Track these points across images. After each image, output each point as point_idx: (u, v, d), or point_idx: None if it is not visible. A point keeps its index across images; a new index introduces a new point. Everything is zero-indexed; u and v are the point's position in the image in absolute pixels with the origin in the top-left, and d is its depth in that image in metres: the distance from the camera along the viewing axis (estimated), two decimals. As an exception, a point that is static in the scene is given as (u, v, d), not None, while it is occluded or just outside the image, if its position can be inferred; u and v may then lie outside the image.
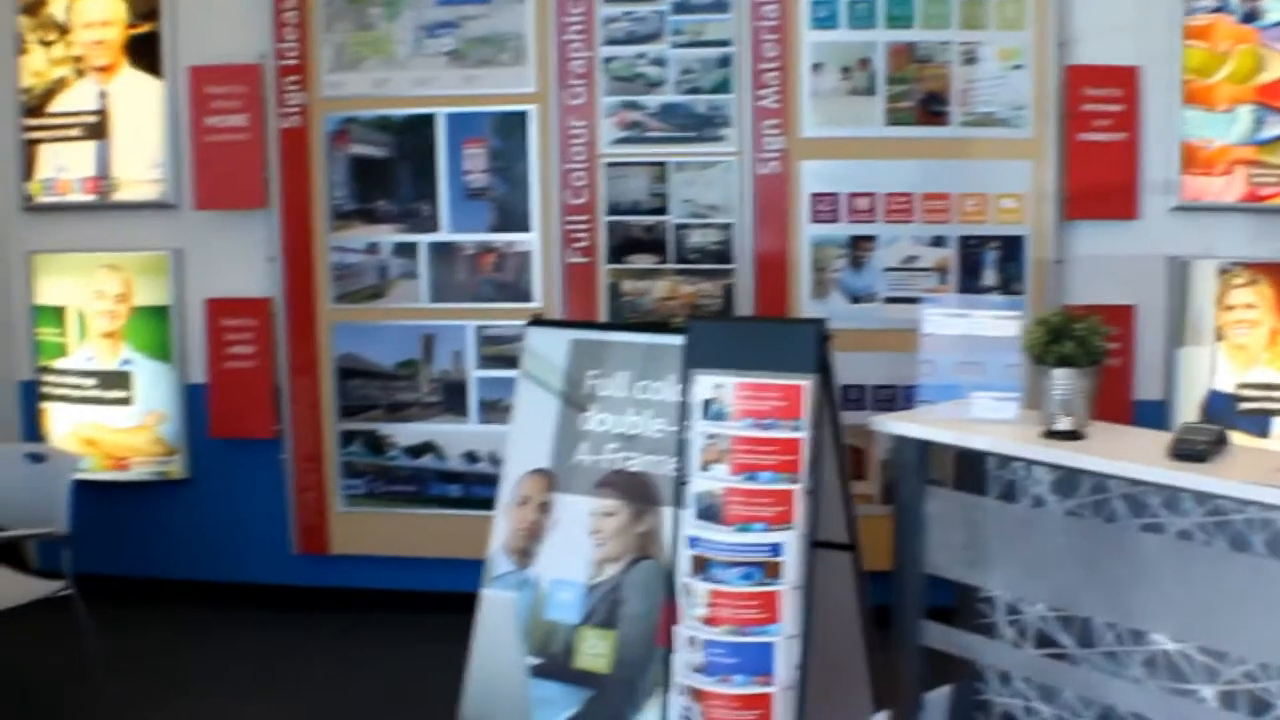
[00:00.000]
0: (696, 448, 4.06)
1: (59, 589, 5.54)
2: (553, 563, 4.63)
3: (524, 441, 4.78)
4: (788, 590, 3.92)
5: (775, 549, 3.90)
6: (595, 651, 4.50)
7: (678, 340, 4.41)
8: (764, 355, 4.04)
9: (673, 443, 4.40)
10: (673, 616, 4.15)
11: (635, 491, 4.53)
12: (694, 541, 3.99)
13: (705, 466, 4.01)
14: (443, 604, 6.30)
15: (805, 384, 3.98)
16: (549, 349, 4.79)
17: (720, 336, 4.17)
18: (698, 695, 3.99)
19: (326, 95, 6.45)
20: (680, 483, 4.12)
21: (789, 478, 3.93)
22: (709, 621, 3.96)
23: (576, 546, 4.60)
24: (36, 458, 5.98)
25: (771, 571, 3.90)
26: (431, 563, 6.54)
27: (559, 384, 4.73)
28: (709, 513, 3.97)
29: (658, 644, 4.32)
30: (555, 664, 4.56)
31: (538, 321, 4.96)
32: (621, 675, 4.43)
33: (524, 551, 4.70)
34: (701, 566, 3.97)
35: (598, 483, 4.61)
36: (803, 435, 3.95)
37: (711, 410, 4.03)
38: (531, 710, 4.57)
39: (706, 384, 4.04)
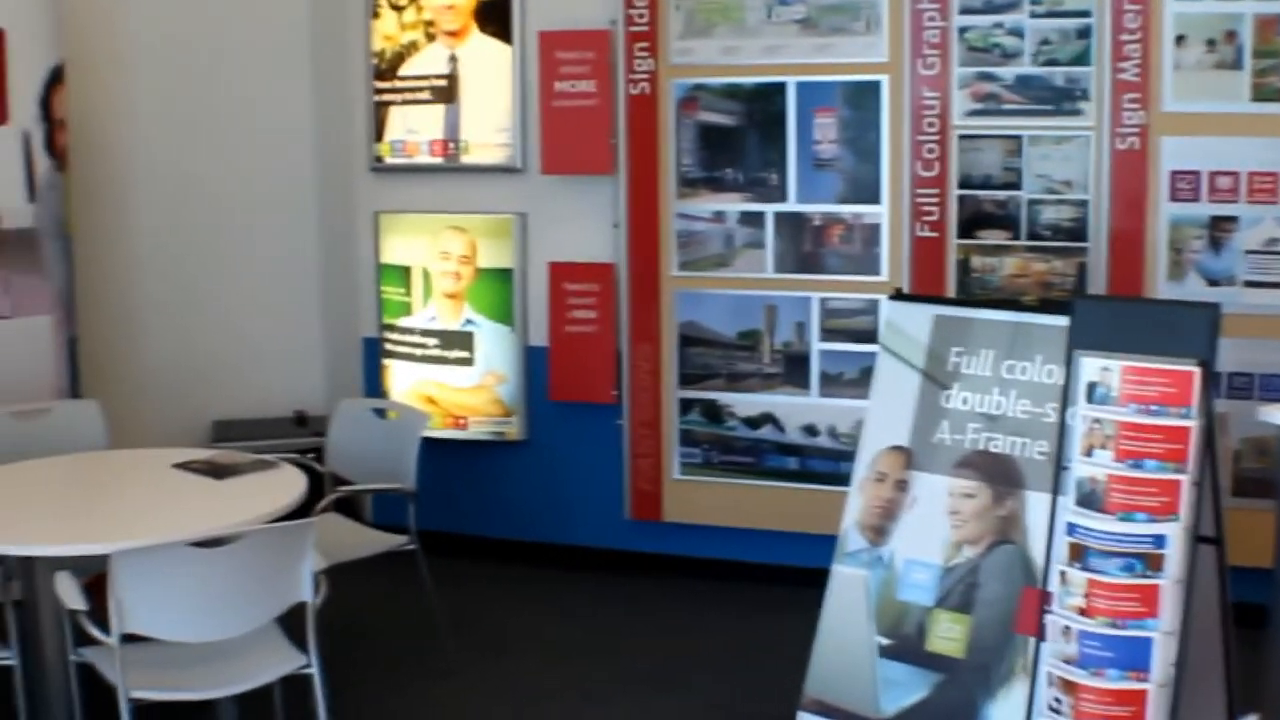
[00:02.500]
0: (1078, 432, 3.94)
1: (403, 543, 5.65)
2: (908, 542, 4.56)
3: (882, 416, 4.70)
4: (1169, 584, 3.77)
5: (1158, 540, 3.75)
6: (949, 635, 4.42)
7: (1048, 319, 4.31)
8: (1152, 338, 3.88)
9: (1038, 425, 4.31)
10: (1032, 603, 4.04)
11: (997, 473, 4.42)
12: (1072, 528, 3.86)
13: (1087, 452, 3.87)
14: (777, 577, 6.35)
15: (1195, 370, 3.83)
16: (910, 324, 4.70)
17: (1107, 317, 4.01)
18: (1068, 687, 3.87)
19: (675, 62, 6.47)
20: (1060, 467, 3.99)
21: (1175, 467, 3.78)
22: (1085, 612, 3.84)
23: (933, 527, 4.51)
24: (382, 414, 6.12)
25: (1153, 564, 3.76)
26: (766, 535, 6.53)
27: (920, 360, 4.64)
28: (1089, 500, 3.84)
29: (1014, 631, 4.23)
30: (906, 645, 4.49)
31: (899, 296, 4.87)
32: (975, 661, 4.34)
33: (878, 529, 4.63)
34: (1079, 554, 3.84)
35: (958, 462, 4.51)
36: (1191, 424, 3.80)
37: (1096, 394, 3.90)
38: (879, 691, 4.51)
39: (1092, 366, 3.91)
